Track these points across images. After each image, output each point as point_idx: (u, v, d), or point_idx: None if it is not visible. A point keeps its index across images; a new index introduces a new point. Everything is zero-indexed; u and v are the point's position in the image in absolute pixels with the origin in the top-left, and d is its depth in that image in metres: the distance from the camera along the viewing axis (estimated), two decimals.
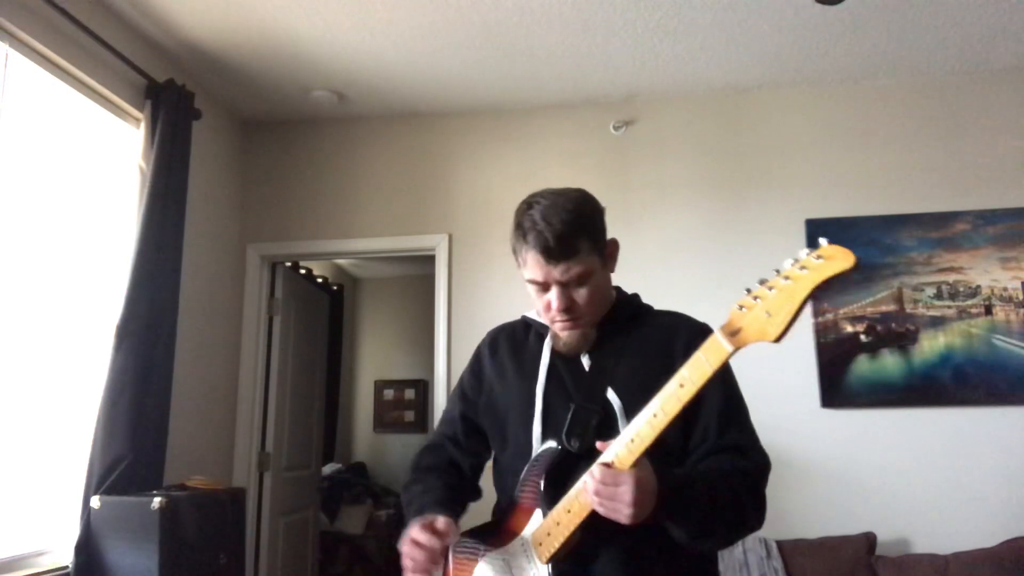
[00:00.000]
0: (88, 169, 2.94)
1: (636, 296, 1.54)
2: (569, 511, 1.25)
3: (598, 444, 1.23)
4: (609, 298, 1.46)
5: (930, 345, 3.40)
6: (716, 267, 3.61)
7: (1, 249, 2.50)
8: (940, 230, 3.49)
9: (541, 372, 1.43)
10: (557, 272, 1.33)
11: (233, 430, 3.81)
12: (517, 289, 3.76)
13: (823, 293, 3.72)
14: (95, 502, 2.55)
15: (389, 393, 6.78)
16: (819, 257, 1.04)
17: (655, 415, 1.16)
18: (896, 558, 3.13)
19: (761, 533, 3.20)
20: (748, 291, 1.11)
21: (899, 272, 3.48)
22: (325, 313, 5.00)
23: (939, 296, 3.44)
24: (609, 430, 1.30)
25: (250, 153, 4.09)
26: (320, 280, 5.94)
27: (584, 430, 1.32)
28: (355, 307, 7.03)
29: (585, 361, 1.42)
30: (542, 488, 1.31)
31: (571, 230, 1.32)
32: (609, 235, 1.43)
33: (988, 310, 3.40)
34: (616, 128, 3.80)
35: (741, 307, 1.11)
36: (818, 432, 3.40)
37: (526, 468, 1.36)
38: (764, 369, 3.43)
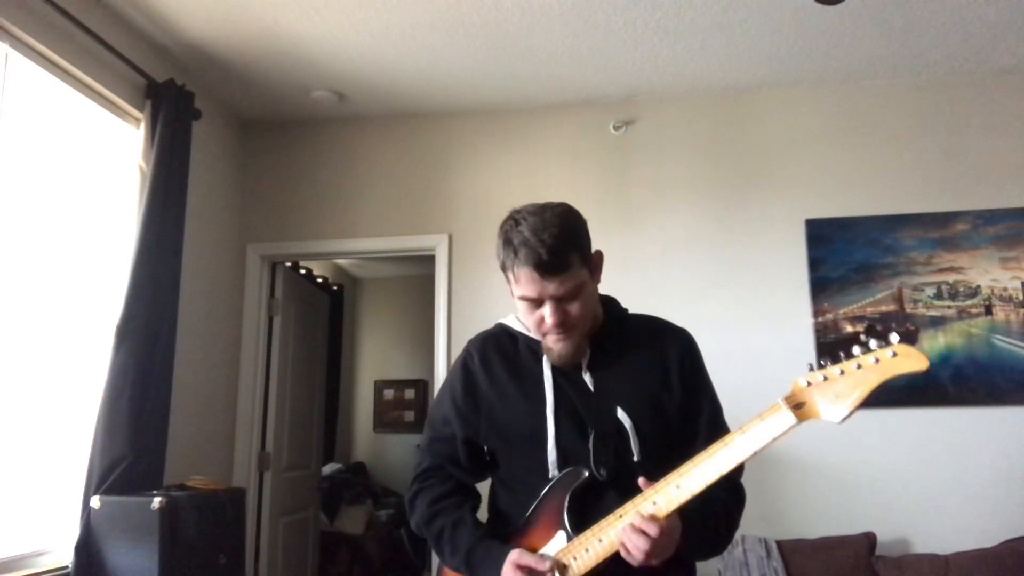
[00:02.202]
0: (88, 169, 2.94)
1: (615, 301, 1.55)
2: (601, 540, 1.29)
3: (641, 482, 1.27)
4: (597, 309, 1.47)
5: (930, 345, 3.40)
6: (716, 267, 3.61)
7: (1, 249, 2.50)
8: (940, 230, 3.49)
9: (548, 394, 1.42)
10: (552, 287, 1.32)
11: (233, 430, 3.81)
12: None
13: (823, 295, 3.68)
14: (95, 502, 2.55)
15: (389, 393, 6.78)
16: (894, 354, 1.11)
17: (707, 469, 1.21)
18: (896, 558, 3.13)
19: (761, 533, 3.20)
20: (811, 367, 1.17)
21: (899, 272, 3.48)
22: (325, 313, 5.00)
23: (939, 296, 3.44)
24: (624, 450, 1.37)
25: (250, 153, 4.09)
26: (320, 280, 5.94)
27: (608, 456, 1.36)
28: (355, 307, 7.03)
29: (587, 379, 1.43)
30: (566, 511, 1.34)
31: (562, 244, 1.31)
32: (595, 245, 1.44)
33: (988, 310, 3.40)
34: (616, 128, 3.80)
35: (808, 383, 1.17)
36: (818, 432, 3.38)
37: (546, 489, 1.38)
38: (764, 369, 3.45)
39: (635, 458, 1.37)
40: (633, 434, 1.37)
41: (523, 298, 1.37)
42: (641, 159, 3.79)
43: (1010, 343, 3.36)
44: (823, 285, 3.50)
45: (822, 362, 1.16)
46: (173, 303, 3.05)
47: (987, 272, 3.43)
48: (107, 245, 2.98)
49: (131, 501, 2.52)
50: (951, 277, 3.45)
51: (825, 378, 1.15)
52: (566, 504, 1.34)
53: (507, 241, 1.35)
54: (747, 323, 3.51)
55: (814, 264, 3.53)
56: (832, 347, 3.41)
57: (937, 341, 3.40)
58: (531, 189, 3.81)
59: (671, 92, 3.77)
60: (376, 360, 6.92)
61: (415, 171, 3.97)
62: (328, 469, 5.76)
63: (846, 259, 3.51)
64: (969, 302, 3.42)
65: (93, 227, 2.94)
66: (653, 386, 1.43)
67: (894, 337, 1.11)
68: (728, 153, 3.74)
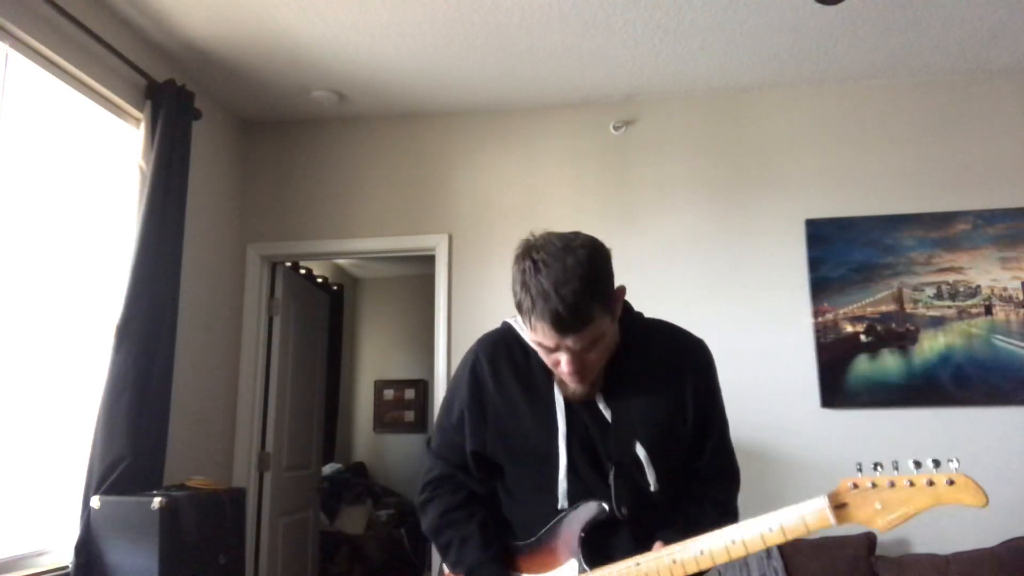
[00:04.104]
0: (88, 169, 2.93)
1: (630, 313, 1.48)
2: None
3: (656, 546, 1.28)
4: (616, 341, 1.41)
5: (930, 345, 3.40)
6: (716, 267, 3.61)
7: (1, 249, 2.50)
8: (940, 230, 3.49)
9: (560, 421, 1.39)
10: (570, 341, 1.26)
11: (233, 430, 3.81)
12: None
13: (823, 295, 3.68)
14: (95, 502, 2.55)
15: (389, 393, 6.78)
16: (951, 482, 1.09)
17: (732, 543, 1.20)
18: (896, 558, 3.13)
19: None
20: (859, 469, 1.15)
21: (899, 272, 3.48)
22: (325, 313, 5.00)
23: (939, 296, 3.44)
24: (641, 481, 1.37)
25: (250, 153, 4.09)
26: (320, 280, 5.94)
27: (629, 494, 1.35)
28: (355, 307, 7.03)
29: (604, 408, 1.39)
30: (579, 542, 1.34)
31: (584, 299, 1.22)
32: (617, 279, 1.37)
33: (988, 310, 3.40)
34: (616, 128, 3.80)
35: (855, 485, 1.15)
36: (818, 432, 3.40)
37: (562, 516, 1.38)
38: (764, 369, 3.45)
39: (651, 488, 1.36)
40: (648, 466, 1.36)
41: (539, 344, 1.31)
42: (641, 159, 3.79)
43: (1010, 343, 3.36)
44: (823, 285, 3.50)
45: (875, 467, 1.14)
46: (173, 303, 3.05)
47: (987, 272, 3.43)
48: (107, 245, 2.98)
49: (131, 501, 2.52)
50: (951, 277, 3.45)
51: (873, 485, 1.13)
52: (580, 536, 1.34)
53: (524, 285, 1.26)
54: (747, 323, 3.51)
55: (814, 264, 3.53)
56: (832, 347, 3.43)
57: (937, 341, 3.40)
58: (531, 189, 3.82)
59: (671, 92, 3.77)
60: (376, 360, 6.92)
61: (415, 171, 3.97)
62: (328, 469, 5.76)
63: (846, 259, 3.51)
64: (969, 302, 3.42)
65: (93, 227, 2.94)
66: (668, 414, 1.41)
67: (953, 465, 1.10)
68: (728, 153, 3.74)
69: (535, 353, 1.42)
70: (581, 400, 1.39)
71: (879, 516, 1.12)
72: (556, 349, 1.29)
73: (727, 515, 1.44)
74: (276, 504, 3.95)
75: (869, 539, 3.16)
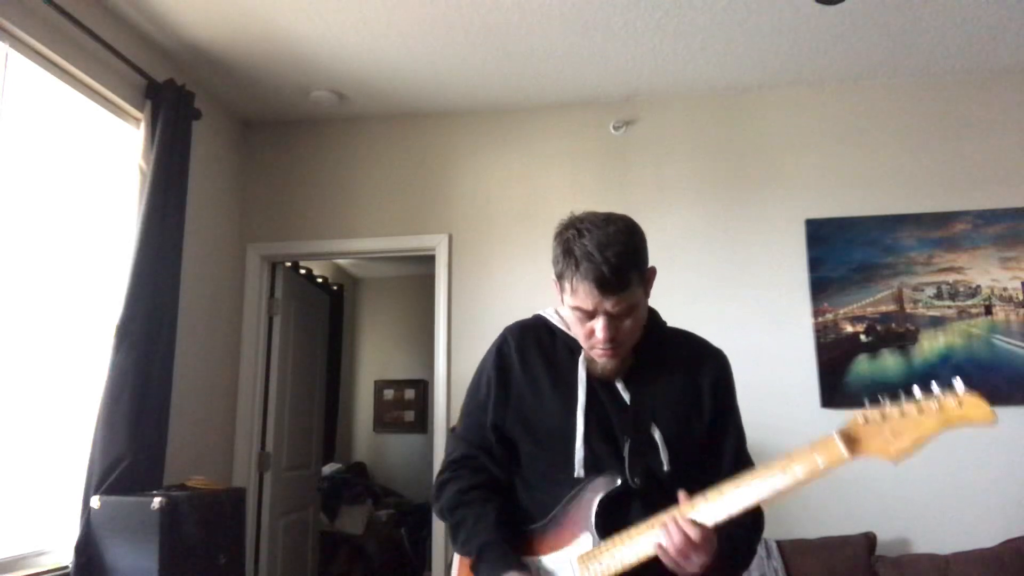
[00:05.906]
0: (88, 169, 2.94)
1: (657, 315, 1.55)
2: (630, 548, 1.30)
3: (681, 495, 1.28)
4: (644, 323, 1.46)
5: (930, 345, 3.40)
6: (716, 267, 3.61)
7: (1, 249, 2.50)
8: (940, 230, 3.49)
9: (580, 395, 1.43)
10: (608, 304, 1.32)
11: (233, 430, 3.81)
12: (517, 289, 3.76)
13: (823, 295, 3.67)
14: (95, 502, 2.55)
15: (389, 393, 6.79)
16: (959, 404, 1.10)
17: (747, 490, 1.23)
18: (896, 558, 3.13)
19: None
20: (868, 403, 1.17)
21: (899, 272, 3.48)
22: (325, 313, 5.00)
23: (939, 296, 3.44)
24: (655, 464, 1.39)
25: (250, 153, 4.09)
26: (320, 280, 5.94)
27: (642, 466, 1.38)
28: (355, 307, 7.03)
29: (621, 388, 1.44)
30: (594, 515, 1.35)
31: (624, 263, 1.31)
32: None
33: (988, 310, 3.40)
34: (616, 128, 3.80)
35: (865, 419, 1.17)
36: (818, 432, 3.36)
37: (575, 491, 1.39)
38: (764, 369, 3.45)
39: (664, 468, 1.38)
40: (663, 449, 1.39)
41: (577, 309, 1.36)
42: (641, 159, 3.79)
43: (1010, 343, 3.36)
44: (823, 285, 3.50)
45: (882, 400, 1.15)
46: (173, 303, 3.05)
47: (987, 272, 3.43)
48: (107, 245, 2.98)
49: (131, 501, 2.52)
50: (951, 277, 3.45)
51: (883, 416, 1.15)
52: (595, 508, 1.35)
53: (567, 251, 1.33)
54: (747, 323, 3.51)
55: (814, 264, 3.53)
56: (832, 347, 3.43)
57: (937, 341, 3.40)
58: (531, 189, 3.82)
59: (671, 92, 3.77)
60: (376, 360, 6.92)
61: (415, 171, 3.97)
62: (328, 469, 5.76)
63: (846, 259, 3.51)
64: (969, 302, 3.42)
65: (93, 227, 2.94)
66: (685, 408, 1.45)
67: (959, 385, 1.10)
68: (728, 153, 3.74)
69: (562, 336, 1.50)
70: (607, 377, 1.43)
71: (891, 445, 1.14)
72: (593, 315, 1.34)
73: (757, 516, 1.44)
74: (276, 504, 3.95)
75: (869, 539, 3.16)
